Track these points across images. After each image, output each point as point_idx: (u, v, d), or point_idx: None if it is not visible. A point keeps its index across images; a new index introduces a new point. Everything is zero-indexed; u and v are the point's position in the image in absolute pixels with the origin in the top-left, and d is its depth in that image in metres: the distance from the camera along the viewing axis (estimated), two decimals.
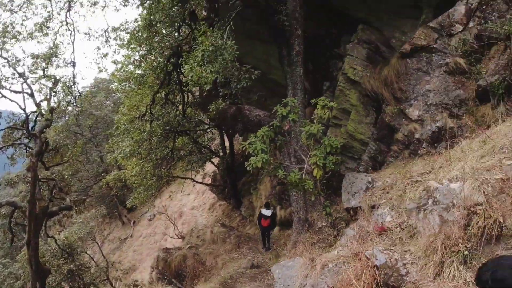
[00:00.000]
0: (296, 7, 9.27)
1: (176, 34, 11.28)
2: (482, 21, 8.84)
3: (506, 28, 7.67)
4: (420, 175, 7.01)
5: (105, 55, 12.78)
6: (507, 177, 4.88)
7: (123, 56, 13.64)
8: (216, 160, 17.83)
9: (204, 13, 12.52)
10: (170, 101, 12.73)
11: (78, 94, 14.92)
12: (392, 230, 5.85)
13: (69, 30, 13.01)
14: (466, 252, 3.90)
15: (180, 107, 12.93)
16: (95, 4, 11.93)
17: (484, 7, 8.86)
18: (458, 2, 9.16)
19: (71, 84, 14.00)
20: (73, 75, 13.90)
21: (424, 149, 9.46)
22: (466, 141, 6.82)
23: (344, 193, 9.08)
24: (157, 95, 12.40)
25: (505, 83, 7.87)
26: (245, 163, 7.93)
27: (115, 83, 14.81)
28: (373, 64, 10.80)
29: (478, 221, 4.11)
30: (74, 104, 15.08)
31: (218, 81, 8.24)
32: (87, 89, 28.38)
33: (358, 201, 8.03)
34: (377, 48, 11.01)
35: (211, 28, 8.16)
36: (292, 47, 9.48)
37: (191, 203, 25.03)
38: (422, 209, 5.57)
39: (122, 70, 12.99)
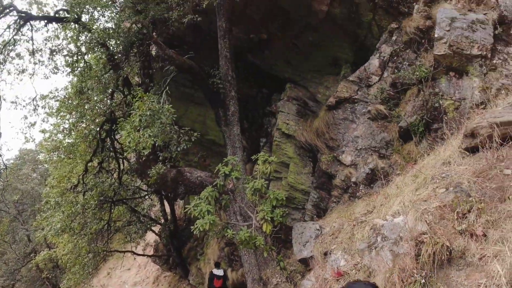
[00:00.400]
0: (228, 70, 9.70)
1: (109, 100, 11.08)
2: (395, 70, 9.95)
3: (417, 73, 8.66)
4: (363, 215, 7.27)
5: (33, 124, 12.04)
6: (444, 204, 5.24)
7: (51, 124, 12.98)
8: (157, 228, 16.92)
9: (137, 79, 12.55)
10: (104, 170, 12.11)
11: (4, 167, 13.66)
12: (348, 273, 5.86)
13: None
14: (423, 281, 4.00)
15: (116, 175, 12.33)
16: (23, 71, 11.43)
17: (395, 58, 10.02)
18: (372, 56, 10.27)
19: None
20: None
21: (362, 191, 9.93)
22: (399, 177, 7.30)
23: (295, 244, 9.02)
24: (90, 164, 11.76)
25: (423, 121, 8.73)
26: (191, 227, 7.65)
27: (43, 154, 13.82)
28: (303, 118, 11.44)
29: (427, 249, 4.28)
30: None
31: (157, 145, 8.10)
32: (12, 161, 26.11)
33: (310, 250, 8.00)
34: (305, 103, 11.75)
35: (146, 93, 8.17)
36: (228, 107, 9.75)
37: (132, 278, 23.00)
38: (373, 248, 5.70)
39: (50, 140, 12.27)
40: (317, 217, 10.79)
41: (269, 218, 7.71)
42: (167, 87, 8.65)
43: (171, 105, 8.48)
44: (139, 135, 7.05)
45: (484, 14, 8.94)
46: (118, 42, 10.91)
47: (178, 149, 8.26)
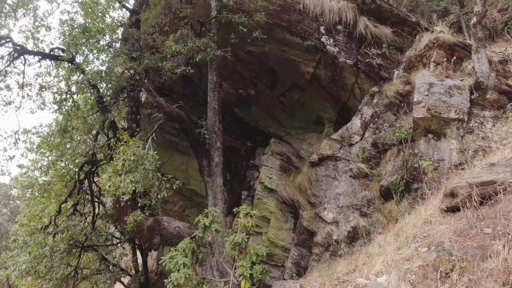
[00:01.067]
0: (216, 122, 9.75)
1: (92, 142, 10.86)
2: (376, 131, 10.20)
3: (397, 134, 8.87)
4: (345, 274, 6.99)
5: (12, 157, 11.57)
6: (426, 263, 5.09)
7: (30, 160, 12.50)
8: (127, 279, 15.84)
9: (123, 123, 12.46)
10: (78, 212, 11.52)
11: None
12: None
13: None
14: None
15: (89, 219, 11.72)
16: (9, 103, 11.21)
17: (376, 119, 10.31)
18: (354, 117, 10.55)
19: None
20: None
21: (343, 249, 9.68)
22: (381, 236, 7.16)
23: None
24: (64, 205, 11.19)
25: (403, 181, 8.79)
26: (164, 280, 7.18)
27: (16, 189, 13.13)
28: (286, 173, 11.40)
29: None
30: None
31: (137, 191, 7.82)
32: None
33: None
34: (289, 158, 11.78)
35: (132, 138, 8.04)
36: (212, 158, 9.66)
37: None
38: None
39: (26, 176, 11.75)
40: (297, 276, 10.35)
41: (248, 275, 7.33)
42: (153, 134, 8.55)
43: (155, 152, 8.36)
44: (120, 180, 6.80)
45: (461, 80, 9.46)
46: (109, 85, 10.97)
47: (159, 196, 7.98)
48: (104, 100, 10.39)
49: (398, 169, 9.28)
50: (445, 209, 6.40)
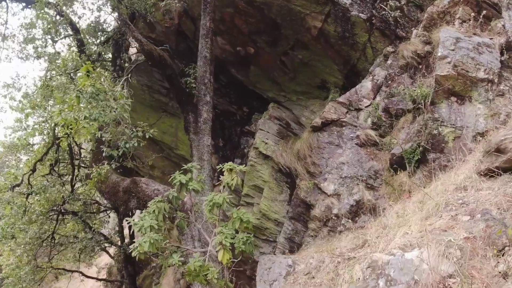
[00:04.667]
0: (206, 73, 7.91)
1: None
2: (389, 95, 8.35)
3: (415, 94, 7.01)
4: (351, 250, 5.22)
5: None
6: (473, 235, 3.31)
7: (14, 120, 10.75)
8: (113, 250, 14.16)
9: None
10: (56, 173, 9.73)
11: None
12: None
13: None
14: None
15: (68, 181, 9.92)
16: None
17: (390, 82, 8.47)
18: (365, 79, 8.70)
19: None
20: None
21: (344, 225, 7.92)
22: (398, 205, 5.34)
23: (260, 282, 6.78)
24: (40, 163, 9.41)
25: (420, 148, 6.98)
26: (130, 247, 5.47)
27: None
28: (284, 140, 9.58)
29: None
30: None
31: (103, 139, 6.06)
32: None
33: None
34: (288, 124, 9.96)
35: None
36: (200, 113, 7.84)
37: None
38: None
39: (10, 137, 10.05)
40: (290, 252, 8.61)
41: (228, 244, 5.53)
42: (131, 75, 6.72)
43: (130, 93, 6.56)
44: (74, 116, 4.99)
45: (490, 39, 7.58)
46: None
47: (127, 145, 6.17)
48: (85, 45, 8.51)
49: (414, 136, 7.44)
50: (486, 171, 4.58)
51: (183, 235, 7.45)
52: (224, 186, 6.00)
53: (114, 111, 5.36)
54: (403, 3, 8.82)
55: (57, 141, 8.95)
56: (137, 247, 5.23)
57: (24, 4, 8.74)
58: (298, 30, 9.19)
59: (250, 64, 10.40)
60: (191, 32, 10.36)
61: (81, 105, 5.11)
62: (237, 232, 5.94)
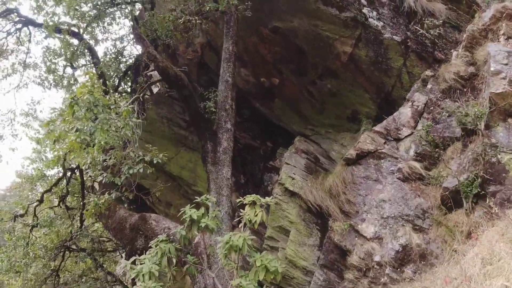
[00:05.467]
0: (227, 98, 7.13)
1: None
2: (432, 122, 7.21)
3: (472, 112, 5.86)
4: None
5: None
6: None
7: (33, 150, 10.22)
8: None
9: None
10: (65, 205, 8.82)
11: None
12: None
13: None
14: None
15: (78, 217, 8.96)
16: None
17: (431, 108, 7.37)
18: (403, 106, 7.65)
19: None
20: None
21: (389, 275, 6.44)
22: (476, 249, 3.98)
23: None
24: (48, 195, 8.56)
25: (478, 180, 5.67)
26: None
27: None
28: (313, 175, 8.42)
29: None
30: None
31: (105, 164, 5.19)
32: None
33: None
34: (316, 159, 8.86)
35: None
36: (219, 142, 6.93)
37: None
38: None
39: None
40: None
41: None
42: (151, 107, 5.98)
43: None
44: (65, 128, 4.14)
45: None
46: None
47: (131, 171, 5.22)
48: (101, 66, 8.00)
49: (470, 165, 6.19)
50: None
51: (195, 284, 6.18)
52: (245, 224, 4.87)
53: (118, 129, 4.49)
54: (438, 23, 7.97)
55: (68, 173, 8.19)
56: None
57: (46, 31, 8.51)
58: (326, 57, 8.43)
59: (275, 96, 9.63)
60: (214, 63, 9.83)
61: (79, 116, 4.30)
62: (260, 285, 4.70)
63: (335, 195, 7.51)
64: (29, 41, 9.44)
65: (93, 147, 4.59)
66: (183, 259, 5.77)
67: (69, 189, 8.67)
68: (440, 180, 6.76)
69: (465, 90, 7.38)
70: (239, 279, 4.41)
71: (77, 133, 4.11)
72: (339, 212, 7.41)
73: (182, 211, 5.05)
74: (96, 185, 10.07)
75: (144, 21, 7.41)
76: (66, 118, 4.20)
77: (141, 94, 6.27)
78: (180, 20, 6.34)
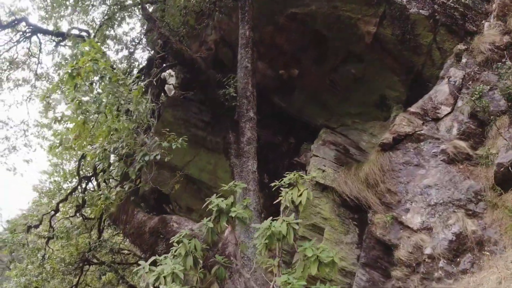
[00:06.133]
0: (248, 84, 6.55)
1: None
2: (474, 98, 6.45)
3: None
4: None
5: (14, 148, 9.10)
6: None
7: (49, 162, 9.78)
8: None
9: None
10: (82, 216, 8.21)
11: None
12: None
13: None
14: None
15: (96, 227, 8.32)
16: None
17: (470, 82, 6.61)
18: (438, 83, 6.93)
19: None
20: None
21: (444, 269, 5.58)
22: None
23: None
24: (63, 205, 7.98)
25: None
26: None
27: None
28: (345, 166, 7.68)
29: None
30: None
31: (117, 152, 4.59)
32: None
33: None
34: (346, 150, 8.14)
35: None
36: (243, 132, 6.31)
37: None
38: None
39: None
40: None
41: None
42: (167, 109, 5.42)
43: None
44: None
45: None
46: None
47: (146, 158, 4.59)
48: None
49: None
50: None
51: (223, 286, 5.43)
52: (286, 207, 4.17)
53: (128, 112, 3.88)
54: None
55: (82, 182, 7.63)
56: None
57: (56, 40, 8.14)
58: (349, 40, 7.83)
59: (294, 88, 9.03)
60: (229, 60, 9.33)
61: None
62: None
63: (372, 185, 6.75)
64: (40, 50, 9.12)
65: (97, 127, 3.98)
66: (209, 260, 5.06)
67: (86, 198, 8.12)
68: (490, 159, 5.98)
69: (503, 60, 6.66)
70: (286, 276, 3.65)
71: (78, 103, 3.51)
72: (379, 203, 6.62)
73: (208, 201, 4.39)
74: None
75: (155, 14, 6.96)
76: (68, 91, 3.62)
77: (155, 79, 5.71)
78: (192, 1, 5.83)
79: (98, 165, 5.41)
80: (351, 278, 6.96)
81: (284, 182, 4.22)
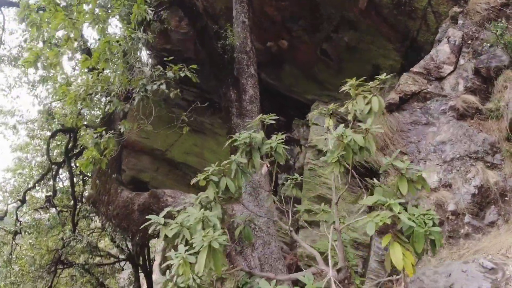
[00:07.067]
0: (247, 39, 5.88)
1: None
2: (475, 55, 6.28)
3: None
4: None
5: None
6: None
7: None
8: None
9: None
10: (54, 207, 6.81)
11: None
12: None
13: None
14: None
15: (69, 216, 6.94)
16: None
17: (470, 41, 6.46)
18: (439, 43, 6.70)
19: None
20: None
21: (470, 224, 5.15)
22: None
23: None
24: (30, 192, 6.57)
25: None
26: None
27: None
28: None
29: None
30: None
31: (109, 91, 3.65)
32: None
33: None
34: (343, 119, 7.61)
35: None
36: (244, 89, 5.58)
37: None
38: None
39: None
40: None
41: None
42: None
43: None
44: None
45: None
46: None
47: (147, 88, 3.72)
48: None
49: None
50: None
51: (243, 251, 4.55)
52: (354, 117, 3.45)
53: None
54: None
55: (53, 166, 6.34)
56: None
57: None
58: (343, 6, 7.47)
59: (284, 62, 8.49)
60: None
61: None
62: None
63: (382, 147, 6.27)
64: (3, 28, 7.74)
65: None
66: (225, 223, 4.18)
67: (57, 188, 6.74)
68: (500, 111, 5.76)
69: (500, 20, 6.61)
70: (376, 196, 2.90)
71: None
72: (390, 166, 6.12)
73: (232, 138, 3.55)
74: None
75: None
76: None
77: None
78: None
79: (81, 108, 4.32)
80: (363, 251, 6.35)
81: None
